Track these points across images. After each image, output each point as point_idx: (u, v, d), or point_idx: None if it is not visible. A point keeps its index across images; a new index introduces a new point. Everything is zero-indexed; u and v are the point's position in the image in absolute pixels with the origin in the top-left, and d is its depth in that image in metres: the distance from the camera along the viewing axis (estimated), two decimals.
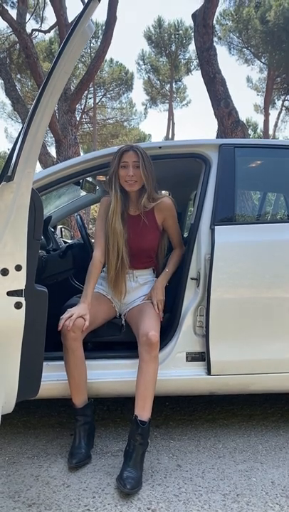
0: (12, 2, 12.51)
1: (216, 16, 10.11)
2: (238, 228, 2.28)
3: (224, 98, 7.49)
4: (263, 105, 20.35)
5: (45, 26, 13.58)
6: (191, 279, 2.22)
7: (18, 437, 2.29)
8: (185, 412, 2.63)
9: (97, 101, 20.96)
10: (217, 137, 7.87)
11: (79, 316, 2.00)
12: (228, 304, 2.15)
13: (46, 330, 1.67)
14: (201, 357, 2.19)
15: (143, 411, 1.93)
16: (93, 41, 16.62)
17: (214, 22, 8.92)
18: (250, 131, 21.21)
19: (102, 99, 21.64)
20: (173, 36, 21.46)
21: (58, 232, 4.11)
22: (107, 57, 17.19)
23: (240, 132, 7.45)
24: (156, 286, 2.22)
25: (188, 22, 20.68)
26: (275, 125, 22.24)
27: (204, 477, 1.93)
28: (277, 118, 22.27)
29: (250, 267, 2.18)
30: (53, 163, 10.45)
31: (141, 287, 2.28)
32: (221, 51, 20.03)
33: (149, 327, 1.98)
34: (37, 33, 13.35)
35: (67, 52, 1.42)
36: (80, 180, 2.95)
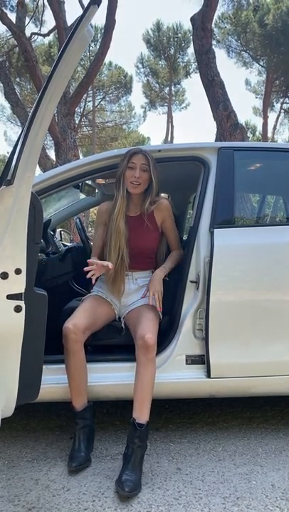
0: (11, 6, 12.53)
1: (214, 19, 10.12)
2: (238, 231, 2.29)
3: (223, 101, 7.52)
4: (262, 108, 20.38)
5: (45, 30, 13.66)
6: (191, 281, 2.23)
7: (17, 441, 2.29)
8: (185, 415, 2.63)
9: (96, 104, 20.98)
10: (216, 140, 7.89)
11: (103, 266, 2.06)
12: (227, 306, 2.15)
13: (46, 333, 1.67)
14: (201, 360, 2.19)
15: (141, 414, 1.93)
16: (92, 44, 16.65)
17: (213, 25, 8.94)
18: (249, 134, 21.24)
19: (101, 102, 21.67)
20: (172, 39, 21.50)
21: (57, 235, 4.12)
22: (106, 60, 17.22)
23: (239, 135, 7.47)
24: (154, 278, 2.21)
25: (187, 25, 20.73)
26: (274, 128, 22.29)
27: (204, 480, 1.93)
28: (276, 121, 22.31)
29: (250, 270, 2.18)
30: (52, 166, 10.48)
31: (140, 289, 2.28)
32: (220, 54, 20.05)
33: (146, 329, 1.99)
34: (36, 36, 13.40)
35: (67, 56, 1.42)
36: (80, 184, 2.95)
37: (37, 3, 12.95)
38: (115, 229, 2.19)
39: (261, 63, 18.90)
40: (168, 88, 23.68)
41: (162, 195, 3.79)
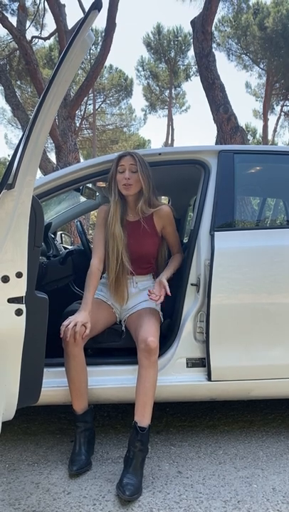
0: (12, 9, 12.58)
1: (214, 23, 10.16)
2: (238, 234, 2.29)
3: (223, 104, 7.53)
4: (262, 110, 20.43)
5: (45, 33, 13.67)
6: (191, 284, 2.23)
7: (18, 444, 2.29)
8: (185, 418, 2.63)
9: (96, 107, 21.02)
10: (216, 142, 7.90)
11: (81, 325, 2.00)
12: (228, 309, 2.15)
13: (46, 336, 1.67)
14: (202, 363, 2.19)
15: (142, 417, 1.93)
16: (93, 48, 16.68)
17: (213, 28, 8.97)
18: (249, 137, 21.29)
19: (102, 105, 21.72)
20: (172, 42, 21.56)
21: (58, 238, 4.12)
22: (107, 63, 17.25)
23: (240, 137, 7.47)
24: (157, 281, 2.20)
25: (187, 28, 20.84)
26: (274, 130, 22.34)
27: (205, 484, 1.93)
28: (276, 123, 22.35)
29: (250, 273, 2.18)
30: (53, 169, 10.49)
31: (141, 293, 2.29)
32: (220, 57, 20.24)
33: (148, 333, 1.99)
34: (37, 39, 13.42)
35: (68, 61, 1.43)
36: (80, 187, 2.96)
37: (37, 7, 12.99)
38: (111, 235, 2.19)
39: (261, 66, 18.97)
40: (168, 91, 23.74)
41: (162, 198, 3.81)
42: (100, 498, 1.81)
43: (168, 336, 2.24)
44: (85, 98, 16.72)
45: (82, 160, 15.17)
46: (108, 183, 2.25)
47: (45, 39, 13.64)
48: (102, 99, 21.42)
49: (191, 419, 2.62)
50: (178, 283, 2.29)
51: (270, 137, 21.25)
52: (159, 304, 2.27)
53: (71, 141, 10.61)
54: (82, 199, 3.72)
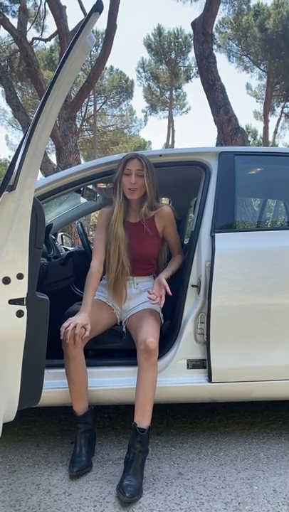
0: (13, 11, 12.63)
1: (215, 24, 10.17)
2: (239, 235, 2.29)
3: (224, 105, 7.54)
4: (263, 112, 20.46)
5: (46, 35, 13.68)
6: (192, 286, 2.23)
7: (18, 445, 2.29)
8: (186, 420, 2.62)
9: (97, 108, 21.06)
10: (217, 144, 7.90)
11: (81, 327, 2.00)
12: (228, 310, 2.15)
13: (47, 337, 1.67)
14: (202, 364, 2.19)
15: (142, 418, 1.93)
16: (93, 49, 16.70)
17: (213, 30, 8.99)
18: (249, 138, 21.27)
19: (103, 107, 21.76)
20: (172, 44, 21.58)
21: (58, 239, 4.12)
22: (107, 64, 17.31)
23: (240, 139, 7.48)
24: (156, 280, 2.20)
25: (188, 30, 20.85)
26: (275, 132, 22.35)
27: (206, 485, 1.93)
28: (277, 124, 22.37)
29: (251, 274, 2.19)
30: (54, 170, 10.49)
31: (141, 294, 2.29)
32: (221, 58, 20.18)
33: (148, 334, 1.99)
34: (37, 41, 13.45)
35: (69, 63, 1.43)
36: (81, 188, 2.96)
37: (38, 9, 13.02)
38: (113, 236, 2.19)
39: (262, 67, 19.00)
40: (169, 92, 23.76)
41: (163, 199, 3.81)
42: (100, 500, 1.81)
43: (168, 337, 2.24)
44: (86, 99, 16.76)
45: (82, 161, 15.20)
46: (113, 184, 2.25)
47: (45, 40, 13.68)
48: (103, 101, 21.46)
49: (191, 420, 2.62)
50: (178, 284, 2.29)
51: (270, 138, 21.27)
52: (159, 305, 2.27)
53: (72, 142, 10.62)
54: (83, 200, 3.72)
